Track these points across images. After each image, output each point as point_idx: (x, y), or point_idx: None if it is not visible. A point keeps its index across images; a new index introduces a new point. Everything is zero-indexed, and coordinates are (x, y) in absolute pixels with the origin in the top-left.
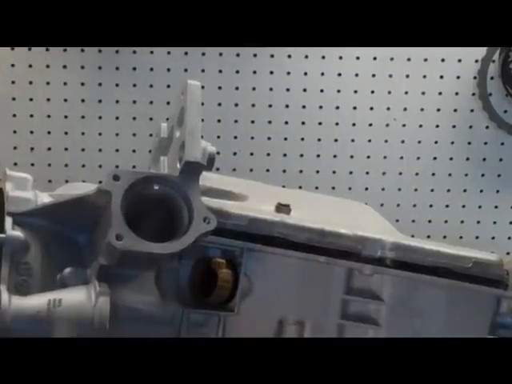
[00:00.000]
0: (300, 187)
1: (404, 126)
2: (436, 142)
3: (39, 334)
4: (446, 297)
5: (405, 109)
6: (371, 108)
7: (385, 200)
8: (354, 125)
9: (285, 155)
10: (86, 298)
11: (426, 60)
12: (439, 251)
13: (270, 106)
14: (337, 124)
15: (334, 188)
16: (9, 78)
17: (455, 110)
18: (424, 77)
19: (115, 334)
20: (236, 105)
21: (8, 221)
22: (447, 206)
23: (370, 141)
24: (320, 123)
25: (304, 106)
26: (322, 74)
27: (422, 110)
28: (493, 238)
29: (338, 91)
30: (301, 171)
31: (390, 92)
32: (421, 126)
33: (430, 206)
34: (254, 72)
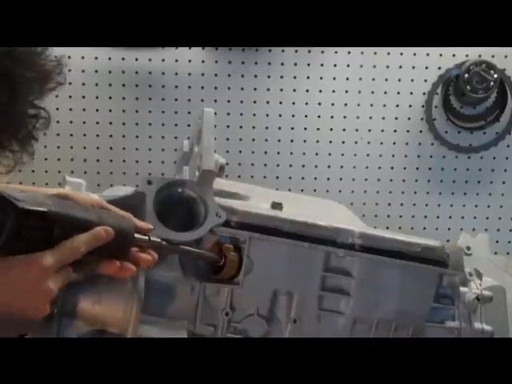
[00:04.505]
0: (289, 190)
1: (369, 143)
2: (393, 156)
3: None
4: (401, 274)
5: (369, 130)
6: (343, 129)
7: (354, 200)
8: (330, 142)
9: (278, 165)
10: None
11: (385, 93)
12: (395, 239)
13: (267, 128)
14: (317, 142)
15: (315, 190)
16: (66, 107)
17: (408, 131)
18: (384, 106)
19: (149, 301)
20: (240, 127)
21: None
22: (401, 204)
23: (342, 155)
24: (304, 141)
25: (292, 128)
26: (306, 103)
27: (382, 131)
28: (436, 228)
29: (318, 116)
30: (290, 178)
31: (358, 117)
32: (382, 143)
33: (389, 204)
34: (254, 102)
